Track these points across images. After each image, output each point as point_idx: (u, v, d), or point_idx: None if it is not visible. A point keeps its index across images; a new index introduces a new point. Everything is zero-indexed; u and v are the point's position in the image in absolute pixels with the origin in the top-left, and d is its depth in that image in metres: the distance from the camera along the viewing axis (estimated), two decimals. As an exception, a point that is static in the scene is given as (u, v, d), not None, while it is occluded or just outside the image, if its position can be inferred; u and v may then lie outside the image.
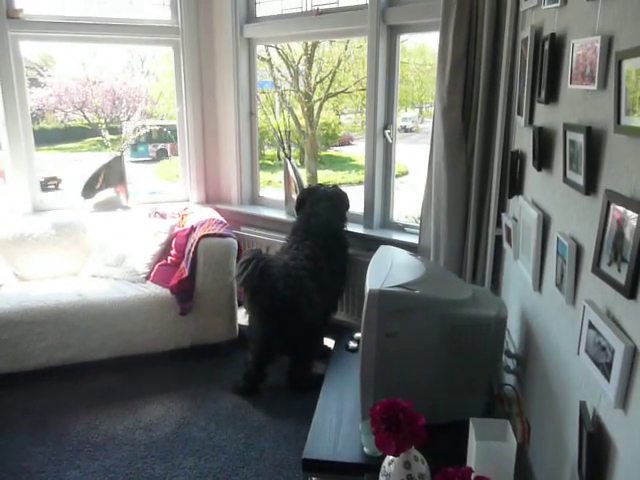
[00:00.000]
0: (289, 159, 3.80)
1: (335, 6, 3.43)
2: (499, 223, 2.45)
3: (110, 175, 3.95)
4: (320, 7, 3.47)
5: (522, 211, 1.86)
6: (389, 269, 1.94)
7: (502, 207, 2.47)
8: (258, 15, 3.86)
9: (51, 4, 3.74)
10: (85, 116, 7.38)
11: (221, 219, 3.58)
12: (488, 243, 2.59)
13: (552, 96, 1.54)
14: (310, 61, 7.26)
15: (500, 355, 1.96)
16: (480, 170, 2.60)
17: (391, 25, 3.13)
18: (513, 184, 2.08)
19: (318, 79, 7.40)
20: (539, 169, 1.67)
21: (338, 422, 1.99)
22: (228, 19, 3.83)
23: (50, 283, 3.34)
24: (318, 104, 7.54)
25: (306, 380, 2.95)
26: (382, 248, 2.23)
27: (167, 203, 4.09)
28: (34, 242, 3.51)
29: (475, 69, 2.54)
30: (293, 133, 6.80)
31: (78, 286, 3.26)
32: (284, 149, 3.93)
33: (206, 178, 4.26)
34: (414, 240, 3.10)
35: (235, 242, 3.36)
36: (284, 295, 2.71)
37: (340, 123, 8.79)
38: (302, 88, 7.31)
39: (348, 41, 6.85)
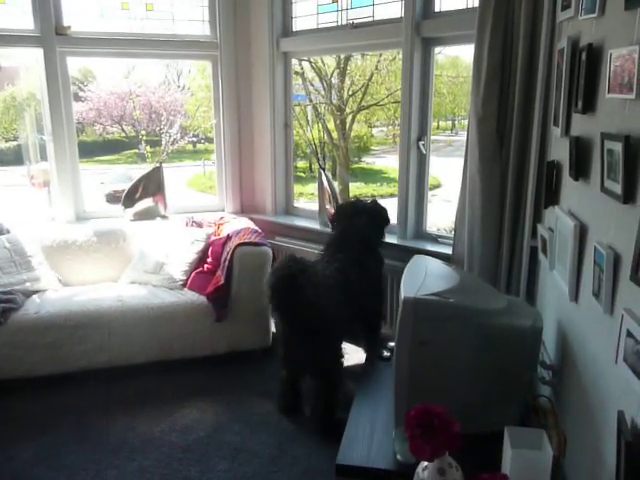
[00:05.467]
0: (323, 170, 3.85)
1: (370, 19, 3.48)
2: (534, 234, 2.45)
3: (149, 185, 4.07)
4: (355, 21, 3.53)
5: (558, 221, 1.86)
6: (423, 278, 1.96)
7: (537, 218, 2.47)
8: (294, 29, 3.95)
9: (96, 21, 3.90)
10: (123, 129, 7.64)
11: (256, 228, 3.65)
12: (523, 254, 2.59)
13: (589, 106, 1.55)
14: (343, 74, 7.34)
15: (535, 366, 1.94)
16: (515, 181, 2.60)
17: (426, 37, 3.16)
18: (549, 194, 2.08)
19: (350, 92, 7.47)
20: (576, 179, 1.67)
21: (371, 429, 2.00)
22: (265, 34, 3.93)
23: (91, 288, 3.45)
24: (350, 117, 7.60)
25: (329, 420, 2.73)
26: (416, 257, 2.24)
27: (203, 213, 4.19)
28: (77, 249, 3.65)
29: (510, 80, 2.55)
30: (327, 145, 6.87)
31: (118, 292, 3.36)
32: (318, 160, 3.99)
33: (241, 188, 4.34)
34: (447, 251, 3.10)
35: (270, 251, 3.41)
36: (311, 301, 2.56)
37: (372, 136, 8.85)
38: (335, 101, 7.38)
39: (381, 54, 6.90)
